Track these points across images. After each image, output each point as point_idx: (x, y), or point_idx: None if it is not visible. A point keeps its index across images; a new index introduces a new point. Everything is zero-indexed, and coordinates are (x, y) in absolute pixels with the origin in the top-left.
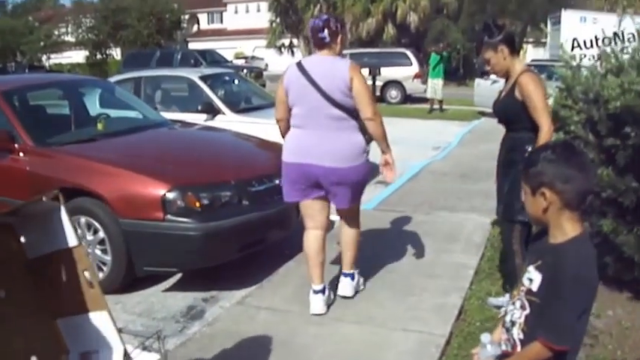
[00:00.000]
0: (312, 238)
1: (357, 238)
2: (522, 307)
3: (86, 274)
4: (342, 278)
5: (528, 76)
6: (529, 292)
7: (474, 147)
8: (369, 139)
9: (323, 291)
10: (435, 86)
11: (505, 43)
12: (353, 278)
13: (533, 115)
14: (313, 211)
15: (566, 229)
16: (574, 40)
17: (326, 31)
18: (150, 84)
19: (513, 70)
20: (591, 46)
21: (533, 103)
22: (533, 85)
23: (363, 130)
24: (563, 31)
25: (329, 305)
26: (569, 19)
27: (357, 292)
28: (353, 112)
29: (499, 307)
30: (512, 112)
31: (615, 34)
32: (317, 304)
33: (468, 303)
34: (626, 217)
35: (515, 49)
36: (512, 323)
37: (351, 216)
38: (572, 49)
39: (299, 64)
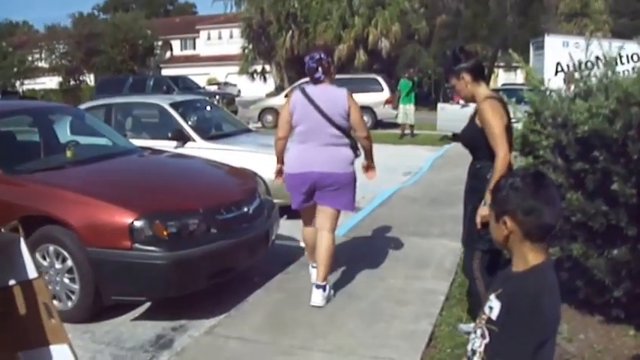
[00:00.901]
0: (309, 231)
1: (330, 252)
2: (482, 336)
3: (47, 306)
4: (314, 289)
5: (487, 102)
6: (489, 320)
7: (445, 172)
8: (359, 153)
9: (323, 288)
10: (407, 111)
11: (467, 70)
12: (324, 290)
13: (490, 142)
14: (310, 214)
15: (527, 257)
16: (557, 64)
17: (320, 69)
18: (121, 111)
19: (478, 97)
20: (574, 70)
21: (490, 130)
22: (491, 111)
23: (352, 146)
24: (547, 55)
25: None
26: (552, 43)
27: (328, 301)
28: (347, 132)
29: (469, 334)
30: (474, 139)
31: (597, 57)
32: (317, 296)
33: (439, 329)
34: (596, 240)
35: (478, 76)
36: (473, 352)
37: (331, 222)
38: (556, 74)
39: (303, 91)
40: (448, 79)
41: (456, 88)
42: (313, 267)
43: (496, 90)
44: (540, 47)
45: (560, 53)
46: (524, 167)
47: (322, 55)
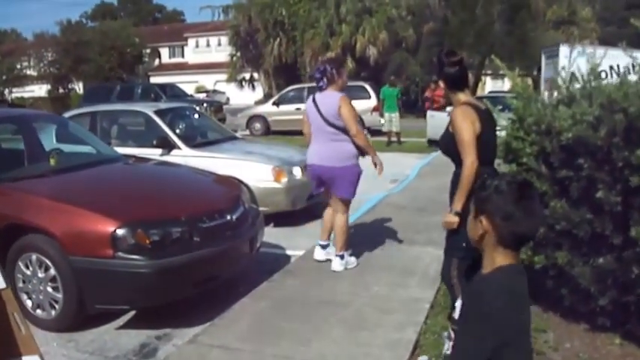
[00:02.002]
0: (327, 212)
1: (344, 226)
2: (449, 338)
3: (16, 316)
4: (334, 258)
5: (459, 109)
6: (453, 320)
7: (432, 179)
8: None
9: (324, 247)
10: (392, 119)
11: (443, 78)
12: (342, 258)
13: (459, 149)
14: (328, 198)
15: (495, 260)
16: (572, 73)
17: (324, 79)
18: (106, 119)
19: (455, 104)
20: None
21: (457, 136)
22: (461, 118)
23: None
24: (560, 64)
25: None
26: (567, 52)
27: (345, 269)
28: (343, 130)
29: None
30: (449, 146)
31: (611, 67)
32: (318, 252)
33: (424, 337)
34: (582, 248)
35: (454, 85)
36: (445, 356)
37: (340, 207)
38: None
39: (313, 98)
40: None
41: (440, 94)
42: (320, 245)
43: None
44: (553, 56)
45: (574, 62)
46: (513, 173)
47: (327, 67)
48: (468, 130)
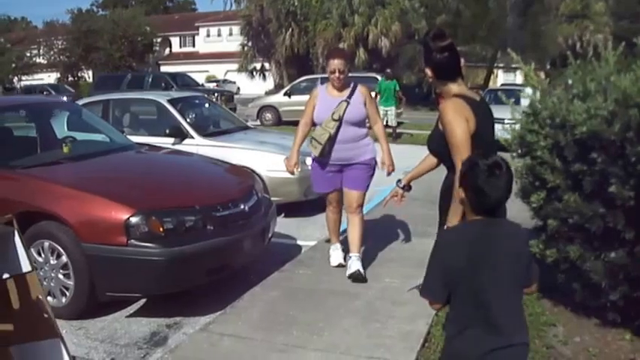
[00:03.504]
0: (332, 212)
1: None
2: None
3: (40, 300)
4: (354, 260)
5: (450, 103)
6: None
7: (444, 172)
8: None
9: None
10: (388, 113)
11: (429, 65)
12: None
13: (450, 150)
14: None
15: (467, 219)
16: None
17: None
18: (118, 107)
19: (446, 96)
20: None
21: (448, 136)
22: (452, 113)
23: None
24: None
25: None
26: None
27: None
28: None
29: None
30: (437, 146)
31: None
32: (338, 256)
33: (435, 329)
34: (593, 243)
35: (444, 74)
36: None
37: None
38: None
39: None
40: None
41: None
42: (336, 249)
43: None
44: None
45: None
46: (491, 155)
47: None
48: (460, 128)
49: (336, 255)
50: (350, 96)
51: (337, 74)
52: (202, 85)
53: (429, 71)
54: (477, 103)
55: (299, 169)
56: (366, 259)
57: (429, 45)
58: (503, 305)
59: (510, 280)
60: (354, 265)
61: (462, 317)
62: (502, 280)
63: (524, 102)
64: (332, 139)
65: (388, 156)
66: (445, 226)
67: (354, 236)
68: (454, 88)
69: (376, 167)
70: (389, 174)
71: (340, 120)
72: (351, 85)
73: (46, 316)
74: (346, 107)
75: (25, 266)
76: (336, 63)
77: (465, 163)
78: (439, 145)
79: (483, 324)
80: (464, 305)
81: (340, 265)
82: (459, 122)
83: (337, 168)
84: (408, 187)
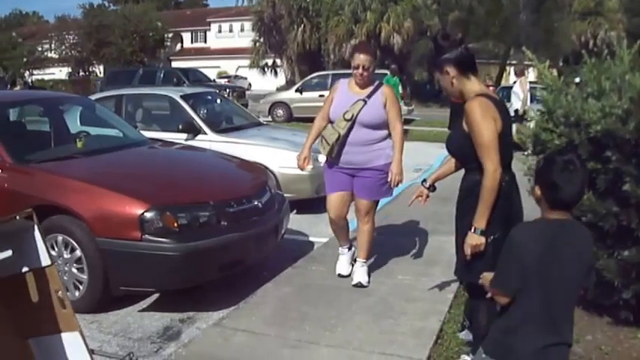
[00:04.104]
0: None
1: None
2: (467, 328)
3: (59, 294)
4: (359, 268)
5: (476, 101)
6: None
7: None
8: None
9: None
10: None
11: (452, 62)
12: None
13: (477, 152)
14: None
15: (544, 215)
16: None
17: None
18: (131, 102)
19: (467, 95)
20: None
21: (476, 137)
22: (480, 113)
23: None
24: None
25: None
26: None
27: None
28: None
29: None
30: (462, 148)
31: None
32: (345, 263)
33: (447, 327)
34: (607, 241)
35: (466, 70)
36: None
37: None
38: None
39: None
40: (432, 75)
41: (441, 85)
42: (345, 253)
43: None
44: None
45: None
46: (566, 150)
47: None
48: (489, 128)
49: (341, 262)
50: (370, 95)
51: (361, 70)
52: (214, 80)
53: (452, 70)
54: (500, 102)
55: (310, 166)
56: (378, 256)
57: (442, 44)
58: (564, 304)
59: (575, 281)
60: (358, 274)
61: (521, 313)
62: (569, 280)
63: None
64: (342, 141)
65: (396, 165)
66: (472, 228)
67: (362, 243)
68: (476, 85)
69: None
70: (395, 185)
71: (353, 120)
72: (375, 84)
73: (64, 309)
74: (362, 107)
75: (45, 260)
76: (361, 58)
77: (541, 159)
78: (463, 145)
79: (543, 321)
80: (529, 301)
81: (360, 284)
82: (487, 122)
83: (348, 171)
84: (432, 188)
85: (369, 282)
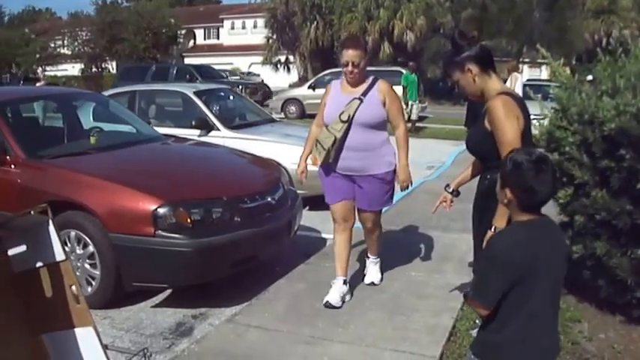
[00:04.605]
0: (343, 238)
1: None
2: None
3: (73, 289)
4: (372, 267)
5: (499, 100)
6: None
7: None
8: None
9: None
10: (413, 107)
11: (473, 59)
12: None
13: (499, 150)
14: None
15: (518, 218)
16: None
17: None
18: (144, 98)
19: (488, 93)
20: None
21: (499, 135)
22: (503, 111)
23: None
24: None
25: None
26: None
27: (343, 302)
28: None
29: None
30: (482, 146)
31: None
32: (338, 293)
33: (460, 324)
34: (620, 239)
35: (487, 67)
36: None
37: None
38: None
39: None
40: (450, 74)
41: (460, 84)
42: (341, 281)
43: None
44: None
45: None
46: (530, 149)
47: None
48: (513, 127)
49: (333, 290)
50: (365, 93)
51: (350, 67)
52: (227, 77)
53: (474, 67)
54: (521, 100)
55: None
56: (391, 252)
57: (460, 43)
58: (555, 305)
59: (561, 275)
60: (371, 273)
61: (513, 319)
62: (557, 280)
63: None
64: (339, 145)
65: (403, 171)
66: (493, 227)
67: (371, 245)
68: (497, 83)
69: (394, 182)
70: (402, 189)
71: (350, 121)
72: (370, 80)
73: (79, 304)
74: (358, 106)
75: (59, 255)
76: (350, 54)
77: (506, 162)
78: (484, 143)
79: (537, 325)
80: (517, 307)
81: (329, 305)
82: (511, 121)
83: (347, 178)
84: (456, 193)
85: (381, 279)
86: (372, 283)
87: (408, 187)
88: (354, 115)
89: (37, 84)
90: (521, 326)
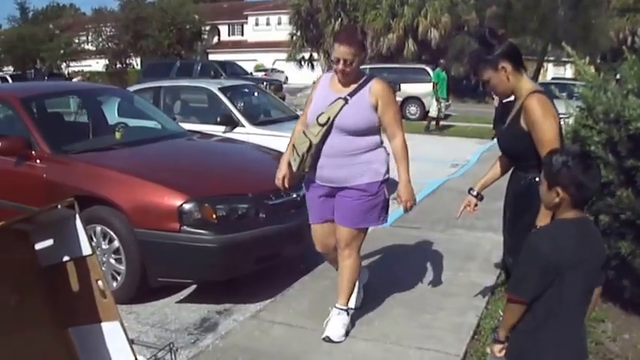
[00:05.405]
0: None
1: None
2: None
3: (99, 283)
4: (335, 316)
5: (536, 99)
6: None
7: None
8: None
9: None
10: (442, 104)
11: (507, 58)
12: (348, 313)
13: (538, 149)
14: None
15: (564, 216)
16: None
17: None
18: (169, 94)
19: (520, 92)
20: None
21: (539, 134)
22: (543, 110)
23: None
24: None
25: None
26: None
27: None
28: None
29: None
30: (518, 145)
31: None
32: (339, 327)
33: (484, 322)
34: None
35: (520, 65)
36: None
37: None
38: None
39: None
40: (479, 73)
41: (492, 83)
42: (343, 312)
43: (545, 84)
44: None
45: None
46: (572, 146)
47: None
48: (553, 126)
49: (331, 321)
50: (353, 93)
51: (341, 66)
52: (251, 73)
53: (507, 65)
54: (551, 98)
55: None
56: (415, 251)
57: (491, 41)
58: (587, 306)
59: (595, 279)
60: (330, 326)
61: (550, 320)
62: (592, 278)
63: None
64: (316, 151)
65: (405, 188)
66: (537, 227)
67: (341, 283)
68: (528, 83)
69: (387, 197)
70: (406, 210)
71: (329, 125)
72: (362, 79)
73: (105, 299)
74: (341, 108)
75: (86, 249)
76: (341, 51)
77: (553, 162)
78: (520, 143)
79: (572, 326)
80: (554, 308)
81: (328, 339)
82: (551, 120)
83: (327, 191)
84: (481, 197)
85: (344, 337)
86: (328, 338)
87: (411, 208)
88: (334, 119)
89: (74, 79)
90: (558, 328)
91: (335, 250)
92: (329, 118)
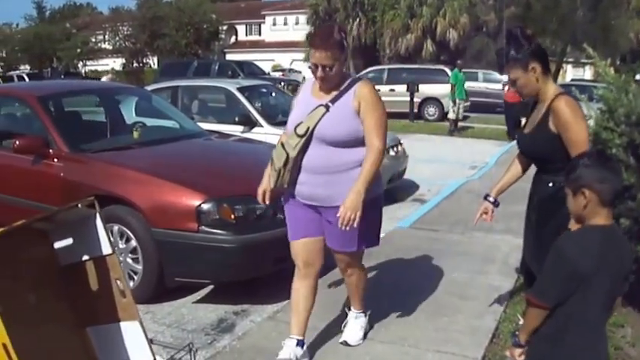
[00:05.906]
0: (304, 286)
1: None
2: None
3: (119, 282)
4: (352, 321)
5: (564, 101)
6: None
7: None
8: None
9: (300, 343)
10: (460, 106)
11: (537, 59)
12: (365, 315)
13: (569, 151)
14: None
15: (592, 221)
16: None
17: None
18: (187, 93)
19: (545, 94)
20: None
21: (572, 136)
22: (573, 112)
23: None
24: None
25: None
26: None
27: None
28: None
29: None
30: (546, 148)
31: None
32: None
33: (502, 326)
34: None
35: (548, 68)
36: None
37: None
38: None
39: None
40: (510, 72)
41: (519, 83)
42: (296, 341)
43: (566, 85)
44: None
45: None
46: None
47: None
48: (583, 128)
49: (286, 347)
50: (335, 99)
51: (320, 72)
52: (268, 73)
53: (538, 66)
54: (578, 101)
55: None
56: (433, 254)
57: (522, 41)
58: (609, 309)
59: (618, 288)
60: (348, 330)
61: (574, 326)
62: (616, 286)
63: None
64: (294, 165)
65: (351, 196)
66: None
67: (351, 293)
68: (553, 86)
69: (380, 204)
70: (341, 224)
71: (308, 135)
72: (346, 82)
73: (124, 298)
74: (322, 116)
75: (106, 248)
76: (316, 57)
77: (572, 168)
78: (549, 146)
79: (595, 332)
80: (577, 314)
81: (345, 344)
82: (581, 121)
83: (312, 207)
84: (497, 203)
85: (361, 340)
86: (345, 343)
87: (348, 222)
88: (314, 128)
89: (103, 78)
90: (581, 333)
91: (316, 267)
92: (308, 128)
